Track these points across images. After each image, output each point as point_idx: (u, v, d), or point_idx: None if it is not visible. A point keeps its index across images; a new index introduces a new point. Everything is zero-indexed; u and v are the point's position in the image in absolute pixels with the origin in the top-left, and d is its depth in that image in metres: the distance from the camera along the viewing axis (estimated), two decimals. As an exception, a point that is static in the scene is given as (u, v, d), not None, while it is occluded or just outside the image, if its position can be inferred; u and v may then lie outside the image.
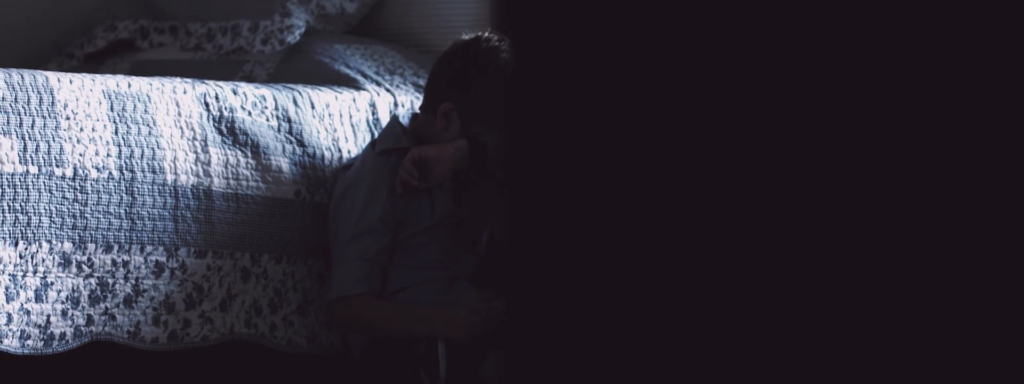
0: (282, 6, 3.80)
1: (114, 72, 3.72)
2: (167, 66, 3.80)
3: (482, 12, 3.91)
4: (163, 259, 3.01)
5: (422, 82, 3.55)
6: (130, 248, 2.96)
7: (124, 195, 2.95)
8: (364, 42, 3.83)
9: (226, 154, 3.14)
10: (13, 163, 2.80)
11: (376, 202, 3.18)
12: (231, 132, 3.16)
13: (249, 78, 3.71)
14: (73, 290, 2.88)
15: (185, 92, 3.12)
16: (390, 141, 3.24)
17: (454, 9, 3.94)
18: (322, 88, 3.47)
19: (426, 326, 3.11)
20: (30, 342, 2.81)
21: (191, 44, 3.89)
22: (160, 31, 3.98)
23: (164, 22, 3.98)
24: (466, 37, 3.31)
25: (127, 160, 2.97)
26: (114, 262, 2.94)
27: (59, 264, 2.85)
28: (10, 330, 2.76)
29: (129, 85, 3.04)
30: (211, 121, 3.14)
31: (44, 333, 2.83)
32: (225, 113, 3.17)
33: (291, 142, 3.27)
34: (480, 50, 3.25)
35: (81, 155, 2.90)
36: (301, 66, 3.69)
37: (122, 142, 2.97)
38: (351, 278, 3.18)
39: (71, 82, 2.94)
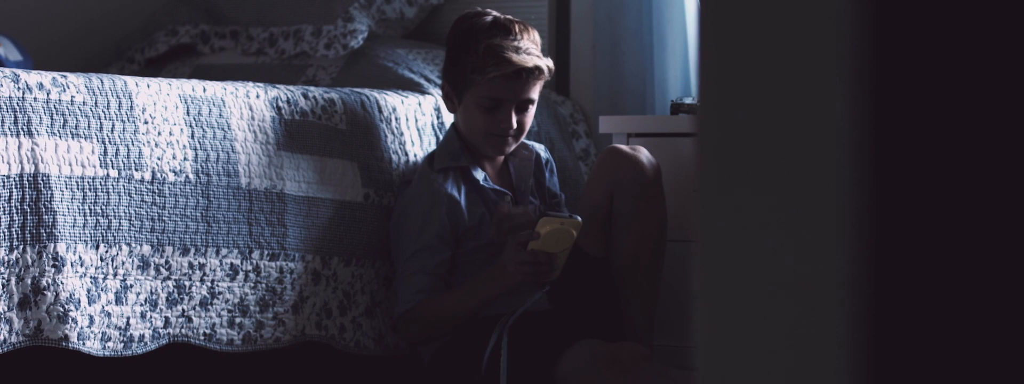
0: (345, 11, 3.82)
1: (175, 77, 3.75)
2: (228, 71, 3.83)
3: (539, 16, 3.92)
4: (237, 262, 3.04)
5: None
6: (206, 251, 2.99)
7: (200, 198, 2.98)
8: (425, 46, 3.85)
9: (297, 158, 3.17)
10: (94, 167, 2.83)
11: (433, 219, 3.20)
12: (302, 136, 3.19)
13: (312, 82, 3.74)
14: (151, 292, 2.91)
15: (258, 96, 3.15)
16: (448, 158, 3.26)
17: (510, 13, 3.96)
18: (388, 92, 3.50)
19: (481, 292, 3.11)
20: (111, 344, 2.83)
21: (253, 49, 3.92)
22: (221, 36, 4.01)
23: (225, 27, 4.01)
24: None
25: (203, 164, 3.00)
26: (190, 265, 2.97)
27: (138, 267, 2.88)
28: (92, 332, 2.79)
29: (204, 89, 3.07)
30: (283, 125, 3.17)
31: (124, 335, 2.86)
32: (296, 117, 3.20)
33: (360, 146, 3.30)
34: (459, 23, 3.27)
35: (159, 159, 2.93)
36: (364, 70, 3.72)
37: (198, 146, 3.00)
38: (412, 291, 3.20)
39: (149, 86, 2.97)
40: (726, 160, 1.01)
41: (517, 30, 3.22)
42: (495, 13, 3.27)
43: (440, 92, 3.51)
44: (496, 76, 3.15)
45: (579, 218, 3.01)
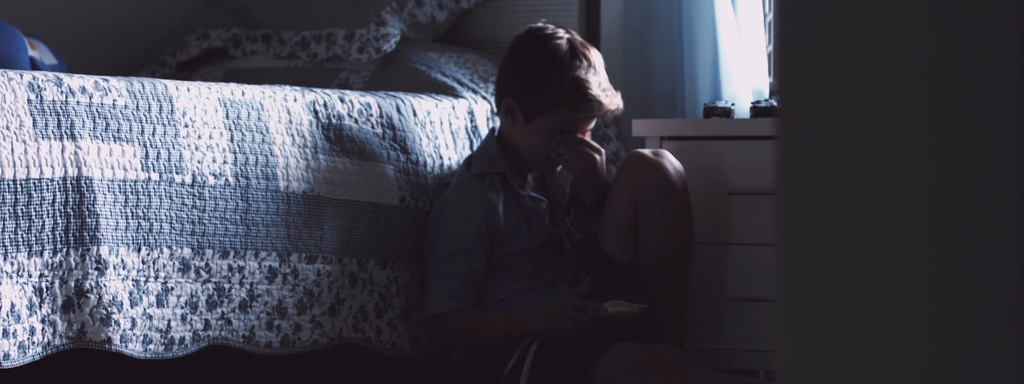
0: (377, 15, 3.84)
1: (207, 80, 3.76)
2: (260, 74, 3.85)
3: (569, 19, 3.94)
4: (276, 265, 3.05)
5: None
6: (245, 254, 3.01)
7: (239, 202, 3.00)
8: (456, 50, 3.87)
9: (334, 161, 3.18)
10: (136, 170, 2.84)
11: (471, 222, 3.22)
12: (339, 139, 3.21)
13: (345, 86, 3.75)
14: (192, 295, 2.92)
15: (295, 100, 3.17)
16: (486, 163, 3.28)
17: (541, 17, 3.96)
18: (422, 96, 3.52)
19: (529, 324, 3.14)
20: (152, 346, 2.85)
21: (285, 52, 3.93)
22: (252, 39, 4.02)
23: (257, 31, 4.02)
24: (522, 30, 3.34)
25: (242, 167, 3.01)
26: (230, 267, 2.98)
27: (179, 269, 2.90)
28: (134, 335, 2.81)
29: (243, 93, 3.09)
30: (320, 128, 3.18)
31: (165, 337, 2.87)
32: (333, 121, 3.21)
33: (395, 149, 3.31)
34: (534, 41, 3.28)
35: (199, 162, 2.94)
36: (397, 74, 3.73)
37: (237, 149, 3.02)
38: (445, 295, 3.21)
39: (189, 90, 2.99)
40: (814, 161, 0.99)
41: (591, 59, 3.23)
42: (563, 33, 3.26)
43: (495, 103, 3.43)
44: (581, 114, 3.19)
45: (647, 304, 3.06)
